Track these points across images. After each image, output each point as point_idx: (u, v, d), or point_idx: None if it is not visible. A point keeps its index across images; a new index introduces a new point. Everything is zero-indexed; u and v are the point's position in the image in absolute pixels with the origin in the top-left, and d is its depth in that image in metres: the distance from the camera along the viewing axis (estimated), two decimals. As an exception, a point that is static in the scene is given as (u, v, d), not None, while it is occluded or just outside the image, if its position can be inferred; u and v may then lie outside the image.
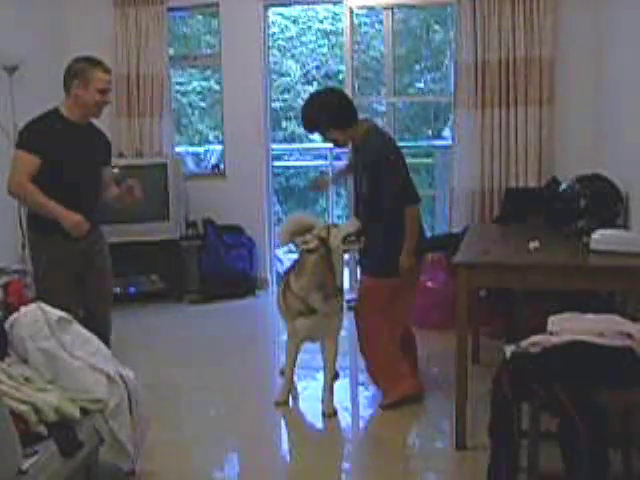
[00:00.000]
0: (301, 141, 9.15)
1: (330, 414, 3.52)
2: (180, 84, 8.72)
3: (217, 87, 7.23)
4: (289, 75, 9.42)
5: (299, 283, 3.52)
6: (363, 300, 3.70)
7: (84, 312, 3.56)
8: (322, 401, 3.58)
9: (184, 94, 9.07)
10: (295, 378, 3.77)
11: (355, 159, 3.76)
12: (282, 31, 9.26)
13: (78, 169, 3.39)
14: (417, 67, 9.09)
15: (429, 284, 4.93)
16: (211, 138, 8.85)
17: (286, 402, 3.68)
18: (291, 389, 3.74)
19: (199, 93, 9.29)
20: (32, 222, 3.50)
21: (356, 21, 5.89)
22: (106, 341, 3.56)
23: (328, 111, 3.56)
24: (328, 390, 3.60)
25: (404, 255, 3.49)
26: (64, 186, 3.31)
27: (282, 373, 3.87)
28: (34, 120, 3.44)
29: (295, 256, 4.03)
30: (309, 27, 9.38)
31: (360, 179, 3.66)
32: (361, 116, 3.74)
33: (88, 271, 3.50)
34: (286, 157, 8.62)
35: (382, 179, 3.53)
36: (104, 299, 3.64)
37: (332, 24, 9.12)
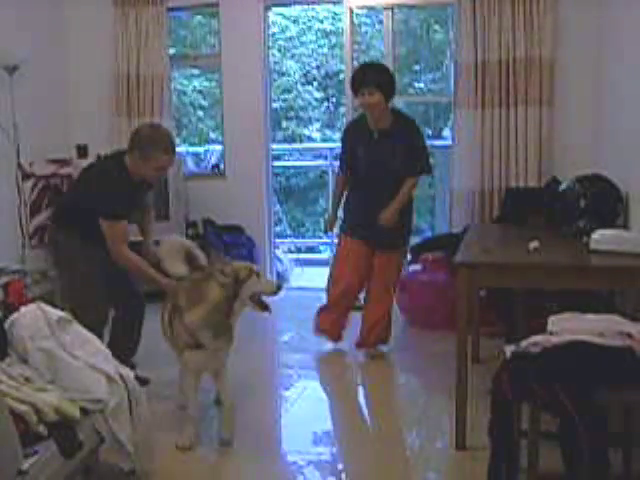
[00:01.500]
0: (301, 141, 9.16)
1: (229, 440, 3.23)
2: (180, 84, 8.73)
3: (217, 87, 7.22)
4: (289, 75, 9.42)
5: (192, 315, 3.12)
6: (395, 274, 4.37)
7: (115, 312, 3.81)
8: (222, 428, 3.28)
9: (184, 94, 9.07)
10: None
11: (381, 141, 4.09)
12: (282, 31, 9.26)
13: (134, 213, 3.69)
14: (417, 67, 9.10)
15: (429, 284, 4.93)
16: (211, 138, 8.86)
17: (191, 447, 3.19)
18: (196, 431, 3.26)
19: (199, 93, 9.29)
20: (71, 232, 3.59)
21: (356, 21, 5.89)
22: (139, 338, 3.90)
23: (391, 78, 4.09)
24: (228, 419, 3.27)
25: (390, 210, 4.08)
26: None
27: (182, 408, 3.42)
28: (111, 183, 3.48)
29: (293, 256, 3.98)
30: (309, 27, 9.38)
31: (391, 155, 4.08)
32: None
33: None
34: (286, 157, 8.62)
35: (419, 149, 4.16)
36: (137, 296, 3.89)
37: (332, 24, 9.13)
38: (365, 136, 4.13)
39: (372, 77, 4.00)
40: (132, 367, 3.78)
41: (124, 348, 3.71)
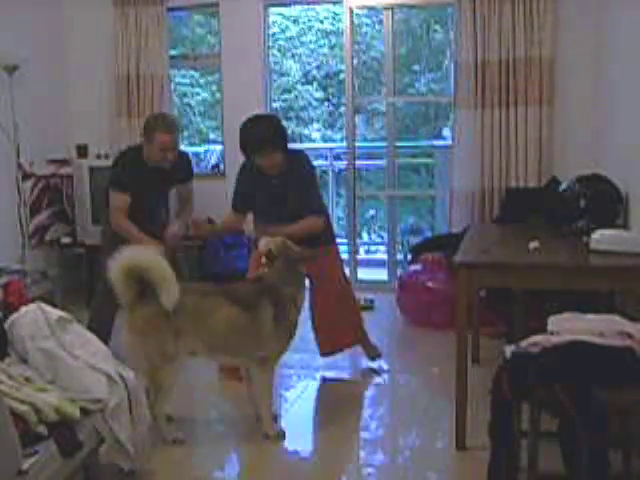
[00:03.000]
0: (301, 141, 9.15)
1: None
2: (180, 84, 8.73)
3: (217, 87, 7.22)
4: (289, 75, 9.42)
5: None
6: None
7: None
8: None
9: (184, 94, 9.07)
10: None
11: (274, 184, 3.75)
12: (282, 31, 9.25)
13: (152, 197, 4.15)
14: (417, 67, 9.09)
15: (429, 284, 4.93)
16: (211, 138, 8.86)
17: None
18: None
19: (199, 93, 9.29)
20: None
21: (356, 21, 5.88)
22: None
23: (282, 133, 3.71)
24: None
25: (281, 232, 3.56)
26: (139, 209, 3.98)
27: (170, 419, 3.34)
28: (121, 163, 4.10)
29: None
30: (309, 27, 9.38)
31: (285, 198, 3.74)
32: None
33: None
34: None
35: (310, 192, 3.78)
36: None
37: (332, 24, 9.12)
38: (262, 184, 3.81)
39: (270, 139, 3.62)
40: None
41: None
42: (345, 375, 4.26)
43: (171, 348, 3.11)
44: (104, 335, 3.70)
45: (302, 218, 3.72)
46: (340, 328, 4.00)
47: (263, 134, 3.63)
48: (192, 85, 9.20)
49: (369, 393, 3.98)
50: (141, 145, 4.05)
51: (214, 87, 8.45)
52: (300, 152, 3.91)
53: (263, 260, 3.38)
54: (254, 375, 3.33)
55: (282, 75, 9.32)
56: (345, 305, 4.02)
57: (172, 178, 4.18)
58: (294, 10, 8.77)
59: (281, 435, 3.29)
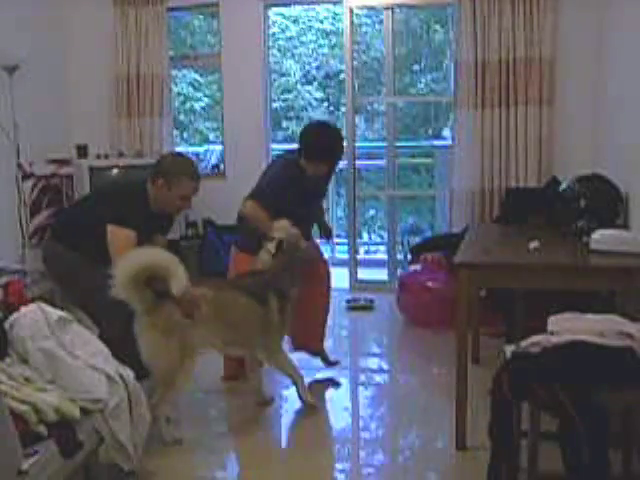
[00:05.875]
0: (301, 141, 9.13)
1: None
2: (180, 84, 8.73)
3: (217, 87, 7.22)
4: (289, 75, 9.43)
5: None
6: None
7: None
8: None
9: (184, 94, 9.07)
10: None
11: (309, 183, 3.78)
12: (282, 31, 9.26)
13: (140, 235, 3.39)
14: (417, 67, 9.10)
15: (429, 284, 4.93)
16: (211, 138, 8.86)
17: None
18: None
19: (199, 93, 9.29)
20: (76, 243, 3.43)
21: (356, 21, 5.88)
22: None
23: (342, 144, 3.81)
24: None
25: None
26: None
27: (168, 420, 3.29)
28: (124, 199, 3.42)
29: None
30: (309, 27, 9.39)
31: (317, 195, 3.97)
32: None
33: None
34: (286, 157, 8.60)
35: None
36: None
37: (332, 24, 9.13)
38: (301, 181, 3.80)
39: (340, 153, 3.77)
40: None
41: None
42: (345, 375, 4.25)
43: (190, 344, 3.17)
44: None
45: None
46: (314, 332, 4.11)
47: (334, 145, 3.72)
48: (193, 86, 9.20)
49: (369, 393, 3.98)
50: (142, 182, 3.46)
51: (214, 87, 8.45)
52: None
53: (270, 247, 3.46)
54: (271, 362, 3.55)
55: (282, 75, 9.32)
56: (323, 312, 4.11)
57: (162, 227, 3.68)
58: (294, 10, 8.78)
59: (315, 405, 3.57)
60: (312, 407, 3.57)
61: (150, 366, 3.15)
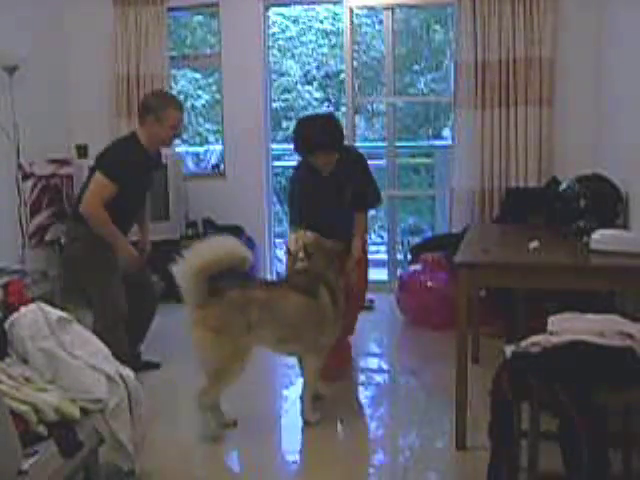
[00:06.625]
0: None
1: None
2: (180, 84, 8.72)
3: (217, 87, 7.22)
4: (289, 75, 9.42)
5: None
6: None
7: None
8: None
9: (184, 94, 9.07)
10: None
11: (326, 182, 3.77)
12: (282, 31, 9.25)
13: (140, 196, 3.92)
14: (417, 67, 9.09)
15: (429, 284, 4.93)
16: (211, 138, 8.85)
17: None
18: None
19: (199, 93, 9.28)
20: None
21: (356, 21, 5.88)
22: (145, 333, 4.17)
23: (342, 129, 3.73)
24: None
25: (359, 246, 3.89)
26: (124, 208, 3.74)
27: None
28: (117, 148, 3.82)
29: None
30: (309, 27, 9.37)
31: (342, 191, 3.80)
32: None
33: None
34: (286, 157, 8.61)
35: (366, 178, 3.92)
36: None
37: (332, 24, 9.12)
38: (315, 180, 3.81)
39: (327, 139, 3.63)
40: (138, 355, 4.11)
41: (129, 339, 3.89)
42: (345, 375, 4.25)
43: (244, 342, 3.19)
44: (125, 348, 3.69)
45: (359, 211, 3.87)
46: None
47: (328, 132, 3.65)
48: (193, 86, 9.20)
49: (369, 393, 3.98)
50: (131, 134, 3.85)
51: (214, 88, 8.45)
52: (351, 146, 4.05)
53: (301, 255, 3.50)
54: (307, 363, 3.49)
55: (282, 75, 9.31)
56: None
57: (153, 172, 4.01)
58: (294, 10, 8.77)
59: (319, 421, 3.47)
60: (309, 424, 3.44)
61: (201, 364, 3.23)
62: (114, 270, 3.77)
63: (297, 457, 3.20)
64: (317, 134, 3.62)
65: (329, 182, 3.78)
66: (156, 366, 4.20)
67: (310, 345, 3.41)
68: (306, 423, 3.43)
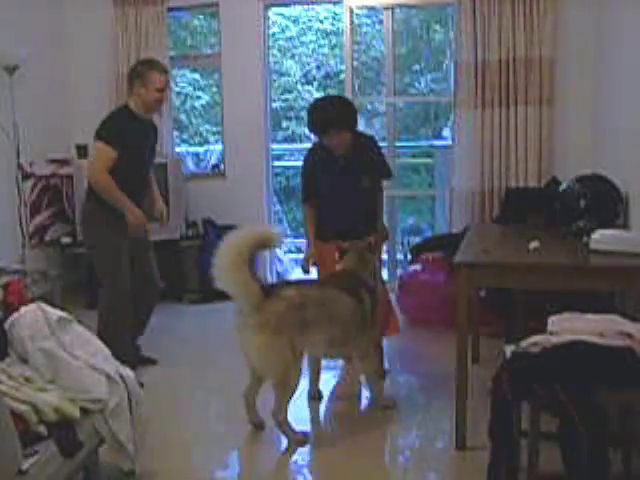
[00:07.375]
0: (301, 141, 9.14)
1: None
2: (180, 84, 8.72)
3: (217, 87, 7.22)
4: (289, 75, 9.41)
5: None
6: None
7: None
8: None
9: (184, 94, 9.07)
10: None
11: (341, 165, 3.78)
12: (282, 31, 9.25)
13: (141, 162, 4.01)
14: (417, 67, 9.09)
15: (429, 284, 4.93)
16: (211, 138, 8.85)
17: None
18: None
19: (199, 93, 9.28)
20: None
21: (356, 21, 5.89)
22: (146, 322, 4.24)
23: (354, 109, 3.77)
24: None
25: (381, 226, 3.98)
26: (129, 175, 3.86)
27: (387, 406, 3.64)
28: (111, 117, 4.01)
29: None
30: (309, 27, 9.37)
31: (358, 179, 3.81)
32: None
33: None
34: (286, 157, 8.61)
35: (379, 162, 3.92)
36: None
37: (332, 24, 9.11)
38: (330, 164, 3.81)
39: (341, 117, 3.66)
40: (137, 349, 4.19)
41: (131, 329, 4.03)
42: (345, 375, 4.25)
43: (299, 343, 3.15)
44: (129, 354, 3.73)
45: (374, 195, 3.89)
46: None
47: (338, 110, 3.68)
48: (193, 87, 9.19)
49: (369, 393, 3.98)
50: (123, 106, 4.02)
51: (214, 89, 8.45)
52: (367, 134, 4.03)
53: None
54: (358, 364, 3.57)
55: (282, 75, 9.31)
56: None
57: (151, 138, 4.10)
58: (294, 10, 8.77)
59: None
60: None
61: (263, 370, 3.16)
62: (123, 244, 3.93)
63: (296, 457, 3.19)
64: (330, 112, 3.67)
65: (344, 166, 3.81)
66: (153, 362, 4.27)
67: (355, 348, 3.46)
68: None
